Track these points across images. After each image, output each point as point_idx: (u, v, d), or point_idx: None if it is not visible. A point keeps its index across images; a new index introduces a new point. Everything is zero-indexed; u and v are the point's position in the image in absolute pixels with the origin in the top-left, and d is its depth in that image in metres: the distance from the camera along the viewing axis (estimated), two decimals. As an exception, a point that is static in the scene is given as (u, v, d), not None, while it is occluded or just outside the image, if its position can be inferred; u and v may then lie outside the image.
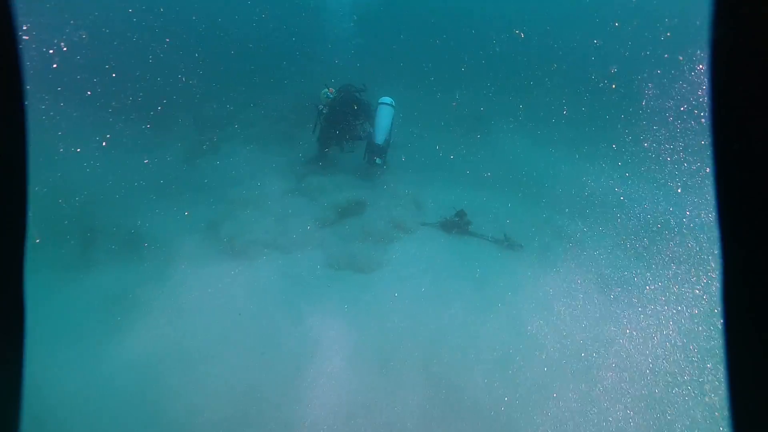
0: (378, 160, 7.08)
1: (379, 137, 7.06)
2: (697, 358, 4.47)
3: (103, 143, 7.26)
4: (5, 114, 0.54)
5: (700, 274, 5.43)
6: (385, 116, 7.06)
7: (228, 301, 4.91)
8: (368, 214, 6.59)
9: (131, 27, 11.69)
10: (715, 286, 4.99)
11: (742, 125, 0.48)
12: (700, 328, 4.78)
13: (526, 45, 14.11)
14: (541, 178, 8.44)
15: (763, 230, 0.48)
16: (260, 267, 5.55)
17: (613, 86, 11.74)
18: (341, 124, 7.20)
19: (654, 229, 6.71)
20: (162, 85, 10.42)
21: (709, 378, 4.27)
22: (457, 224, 6.44)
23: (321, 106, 7.29)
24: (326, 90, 7.23)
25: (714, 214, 0.57)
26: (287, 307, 4.91)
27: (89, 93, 9.38)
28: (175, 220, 6.08)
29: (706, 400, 4.09)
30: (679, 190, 8.06)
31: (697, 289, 5.20)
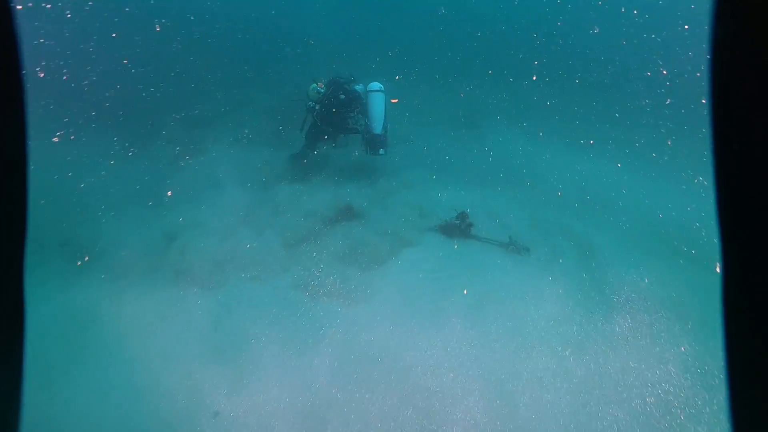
0: (381, 151, 6.69)
1: (377, 126, 6.66)
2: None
3: (56, 135, 6.75)
4: (5, 114, 0.54)
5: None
6: (378, 104, 6.67)
7: (159, 343, 4.05)
8: (359, 223, 5.95)
9: (117, 26, 11.30)
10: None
11: (742, 125, 0.48)
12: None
13: (523, 38, 13.61)
14: (543, 175, 7.97)
15: (764, 230, 0.47)
16: (215, 294, 4.65)
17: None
18: (335, 120, 6.78)
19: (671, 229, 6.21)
20: (150, 85, 10.04)
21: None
22: (458, 227, 5.96)
23: (311, 103, 6.85)
24: (315, 85, 6.79)
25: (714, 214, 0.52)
26: (235, 352, 3.99)
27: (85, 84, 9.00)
28: (135, 232, 5.43)
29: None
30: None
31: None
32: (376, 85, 6.70)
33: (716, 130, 0.51)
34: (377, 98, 6.65)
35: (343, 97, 6.74)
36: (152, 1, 11.79)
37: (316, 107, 6.83)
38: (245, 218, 5.77)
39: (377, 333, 4.27)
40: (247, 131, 8.53)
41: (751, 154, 0.48)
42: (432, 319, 4.46)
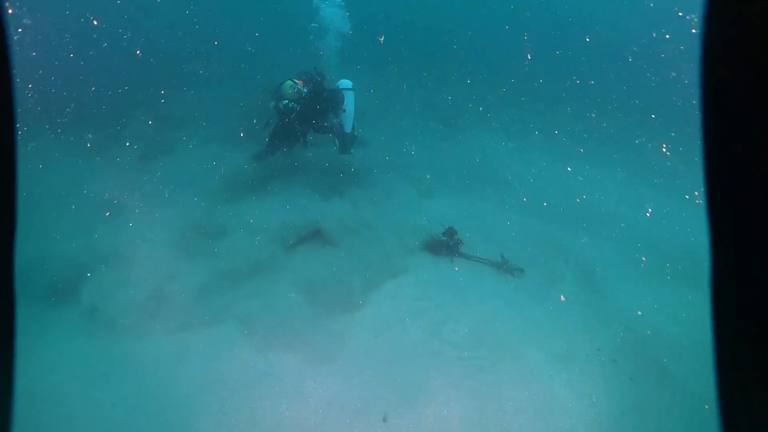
0: (353, 150, 6.36)
1: (348, 125, 6.27)
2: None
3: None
4: None
5: None
6: (350, 103, 6.25)
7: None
8: (328, 246, 5.09)
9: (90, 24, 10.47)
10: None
11: (736, 125, 0.46)
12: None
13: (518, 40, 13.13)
14: (534, 185, 7.49)
15: (761, 233, 0.46)
16: (133, 348, 3.77)
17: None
18: (313, 119, 6.20)
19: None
20: (119, 80, 9.26)
21: None
22: (446, 245, 5.42)
23: (288, 102, 6.19)
24: (292, 83, 6.11)
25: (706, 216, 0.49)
26: None
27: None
28: (58, 251, 4.51)
29: None
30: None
31: None
32: (346, 83, 6.26)
33: (708, 129, 0.48)
34: (349, 97, 6.25)
35: (326, 95, 6.19)
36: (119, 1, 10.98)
37: (297, 107, 6.19)
38: (190, 240, 4.89)
39: (337, 414, 3.43)
40: (219, 130, 7.82)
41: (748, 155, 0.45)
42: (415, 383, 3.71)
